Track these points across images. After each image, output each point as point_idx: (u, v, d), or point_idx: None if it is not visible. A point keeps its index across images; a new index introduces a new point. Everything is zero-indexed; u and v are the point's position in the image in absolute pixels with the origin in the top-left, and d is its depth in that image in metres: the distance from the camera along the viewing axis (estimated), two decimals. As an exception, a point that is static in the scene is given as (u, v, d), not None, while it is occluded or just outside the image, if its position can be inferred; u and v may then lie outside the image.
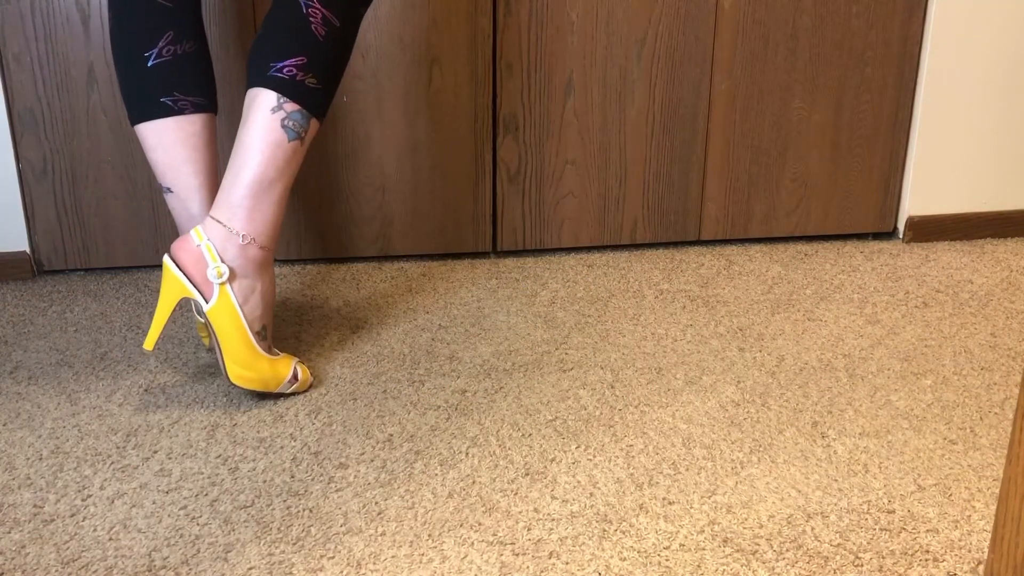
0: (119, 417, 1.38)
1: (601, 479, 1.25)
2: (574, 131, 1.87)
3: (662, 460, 1.29)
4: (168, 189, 1.41)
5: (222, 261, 1.32)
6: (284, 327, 1.64)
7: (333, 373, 1.50)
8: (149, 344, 1.35)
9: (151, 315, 1.68)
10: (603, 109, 1.86)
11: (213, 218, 1.33)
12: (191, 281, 1.32)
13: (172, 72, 1.38)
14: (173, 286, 1.33)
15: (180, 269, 1.32)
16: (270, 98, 1.31)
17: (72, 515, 1.18)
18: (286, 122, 1.31)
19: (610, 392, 1.45)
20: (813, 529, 1.16)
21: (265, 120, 1.31)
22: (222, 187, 1.34)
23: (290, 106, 1.31)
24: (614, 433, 1.35)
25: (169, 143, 1.38)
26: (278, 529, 1.16)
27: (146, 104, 1.38)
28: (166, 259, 1.33)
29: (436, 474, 1.26)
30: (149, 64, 1.37)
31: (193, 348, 1.57)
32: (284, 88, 1.30)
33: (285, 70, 1.31)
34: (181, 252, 1.32)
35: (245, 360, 1.35)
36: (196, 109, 1.40)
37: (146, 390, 1.45)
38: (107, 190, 1.79)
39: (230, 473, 1.26)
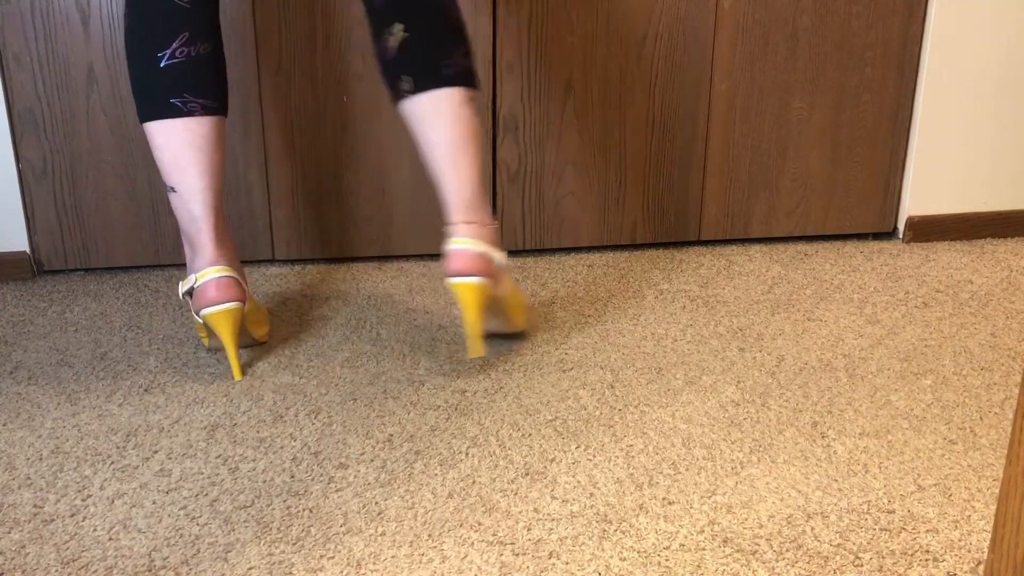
0: (119, 417, 1.38)
1: (601, 479, 1.25)
2: (574, 131, 1.86)
3: (662, 460, 1.29)
4: (172, 188, 1.41)
5: (495, 249, 1.43)
6: (284, 327, 1.64)
7: (333, 373, 1.50)
8: (479, 351, 1.43)
9: (151, 315, 1.68)
10: (603, 109, 1.86)
11: (464, 222, 1.41)
12: (488, 278, 1.41)
13: (184, 73, 1.38)
14: (476, 293, 1.40)
15: (472, 276, 1.39)
16: (458, 94, 1.40)
17: (72, 515, 1.18)
18: (475, 109, 1.43)
19: (610, 392, 1.45)
20: (813, 529, 1.16)
21: (463, 115, 1.40)
22: (449, 191, 1.42)
23: (472, 93, 1.42)
24: (614, 433, 1.35)
25: (176, 144, 1.39)
26: (278, 529, 1.16)
27: (156, 104, 1.38)
28: (457, 280, 1.40)
29: (436, 474, 1.26)
30: (162, 64, 1.38)
31: (193, 348, 1.57)
32: (464, 80, 1.42)
33: (456, 65, 1.41)
34: (465, 263, 1.39)
35: (526, 310, 1.55)
36: (205, 111, 1.40)
37: (146, 390, 1.45)
38: (107, 190, 1.79)
39: (230, 473, 1.26)
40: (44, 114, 1.73)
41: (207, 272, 1.40)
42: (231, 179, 1.81)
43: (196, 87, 1.39)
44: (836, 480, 1.25)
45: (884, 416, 1.40)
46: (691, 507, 1.20)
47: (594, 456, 1.30)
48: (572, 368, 1.51)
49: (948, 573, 1.10)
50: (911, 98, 1.94)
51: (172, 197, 1.43)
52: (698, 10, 1.83)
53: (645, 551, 1.12)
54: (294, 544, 1.13)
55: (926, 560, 1.11)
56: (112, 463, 1.28)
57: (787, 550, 1.13)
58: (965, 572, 1.10)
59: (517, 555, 1.12)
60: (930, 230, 2.01)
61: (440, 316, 1.68)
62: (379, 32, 1.43)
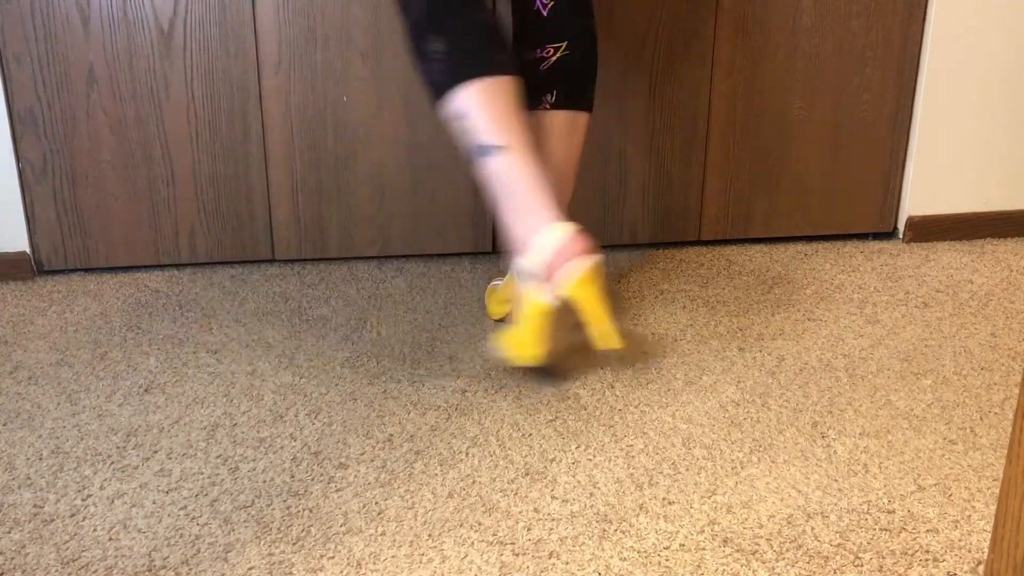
0: (119, 417, 1.38)
1: (601, 479, 1.25)
2: (574, 131, 1.86)
3: (662, 460, 1.29)
4: (504, 147, 1.31)
5: None
6: (284, 327, 1.64)
7: (333, 373, 1.50)
8: (613, 342, 1.32)
9: (151, 315, 1.68)
10: (603, 109, 1.86)
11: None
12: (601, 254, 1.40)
13: (497, 31, 1.40)
14: (599, 271, 1.29)
15: (593, 254, 1.32)
16: (586, 119, 1.51)
17: (72, 515, 1.18)
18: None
19: (610, 392, 1.45)
20: (813, 529, 1.16)
21: (583, 138, 1.51)
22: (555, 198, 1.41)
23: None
24: (614, 433, 1.35)
25: (504, 100, 1.34)
26: (278, 529, 1.16)
27: (480, 62, 1.34)
28: (587, 261, 1.27)
29: (436, 474, 1.26)
30: (481, 20, 1.37)
31: (193, 348, 1.57)
32: (591, 107, 1.52)
33: (592, 93, 1.51)
34: (585, 243, 1.29)
35: None
36: (516, 70, 1.39)
37: (146, 390, 1.45)
38: (107, 190, 1.79)
39: (230, 473, 1.26)
40: (44, 114, 1.73)
41: (562, 227, 1.28)
42: (231, 179, 1.81)
43: (506, 45, 1.40)
44: (836, 480, 1.25)
45: (884, 416, 1.40)
46: (691, 507, 1.20)
47: (594, 456, 1.30)
48: (572, 368, 1.51)
49: (948, 573, 1.10)
50: (911, 98, 1.94)
51: (492, 163, 1.32)
52: (698, 10, 1.83)
53: (645, 551, 1.12)
54: (294, 544, 1.13)
55: (926, 560, 1.11)
56: (112, 463, 1.28)
57: (787, 550, 1.13)
58: (965, 572, 1.10)
59: (517, 555, 1.12)
60: (930, 230, 2.01)
61: (440, 316, 1.68)
62: (540, 42, 1.48)
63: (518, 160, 1.31)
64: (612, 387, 1.46)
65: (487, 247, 1.92)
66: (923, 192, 1.99)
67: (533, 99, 1.48)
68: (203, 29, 1.72)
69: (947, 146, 1.97)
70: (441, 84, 1.34)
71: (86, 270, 1.85)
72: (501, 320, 1.62)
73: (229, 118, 1.78)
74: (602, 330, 1.28)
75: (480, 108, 1.32)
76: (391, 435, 1.34)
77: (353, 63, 1.78)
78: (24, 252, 1.80)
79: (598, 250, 1.26)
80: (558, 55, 1.46)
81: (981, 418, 1.40)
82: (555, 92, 1.47)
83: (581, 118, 1.50)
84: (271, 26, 1.74)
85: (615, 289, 1.48)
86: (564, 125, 1.48)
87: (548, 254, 1.26)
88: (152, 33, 1.71)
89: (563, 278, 1.25)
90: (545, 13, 1.46)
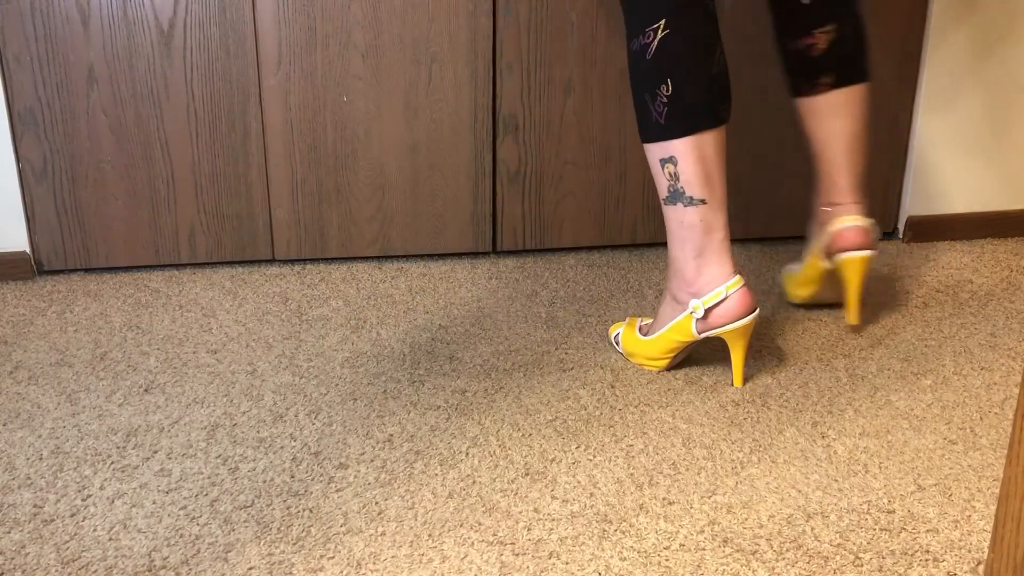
0: (119, 417, 1.38)
1: (601, 479, 1.25)
2: (574, 131, 1.86)
3: (662, 460, 1.29)
4: (701, 201, 1.38)
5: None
6: (284, 327, 1.64)
7: (333, 373, 1.50)
8: (858, 318, 1.57)
9: (151, 315, 1.68)
10: (603, 109, 1.86)
11: (854, 202, 1.54)
12: (874, 250, 1.55)
13: (724, 79, 1.41)
14: (866, 264, 1.55)
15: (866, 249, 1.53)
16: (865, 90, 1.52)
17: (72, 515, 1.18)
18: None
19: (610, 392, 1.45)
20: (813, 529, 1.16)
21: (864, 109, 1.53)
22: (843, 175, 1.54)
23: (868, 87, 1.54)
24: (614, 433, 1.35)
25: (713, 154, 1.38)
26: (278, 529, 1.16)
27: (704, 115, 1.37)
28: (852, 254, 1.53)
29: (436, 474, 1.26)
30: (713, 72, 1.38)
31: (193, 348, 1.57)
32: (869, 75, 1.54)
33: (867, 60, 1.53)
34: (861, 238, 1.53)
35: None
36: (725, 121, 1.41)
37: (146, 390, 1.45)
38: (107, 190, 1.79)
39: (230, 473, 1.26)
40: (44, 114, 1.73)
41: (736, 282, 1.39)
42: (231, 179, 1.81)
43: (729, 92, 1.41)
44: (836, 480, 1.25)
45: (884, 416, 1.40)
46: (691, 507, 1.20)
47: (594, 456, 1.30)
48: (572, 368, 1.51)
49: (948, 573, 1.10)
50: (911, 98, 1.94)
51: (690, 212, 1.38)
52: None
53: (645, 551, 1.12)
54: (294, 544, 1.13)
55: (926, 560, 1.12)
56: (112, 463, 1.28)
57: (787, 550, 1.13)
58: (965, 572, 1.10)
59: (517, 555, 1.12)
60: (930, 230, 2.01)
61: (440, 316, 1.68)
62: (806, 29, 1.49)
63: (713, 216, 1.39)
64: (612, 387, 1.46)
65: (487, 247, 1.92)
66: (923, 192, 1.99)
67: (808, 84, 1.51)
68: (203, 29, 1.72)
69: (947, 146, 1.97)
70: (660, 127, 1.37)
71: (86, 270, 1.85)
72: (801, 304, 1.69)
73: (229, 118, 1.78)
74: (737, 371, 1.46)
75: (693, 162, 1.36)
76: (391, 435, 1.34)
77: (353, 63, 1.78)
78: (24, 252, 1.80)
79: (756, 307, 1.42)
80: (828, 38, 1.49)
81: (981, 418, 1.40)
82: (832, 73, 1.50)
83: (860, 90, 1.52)
84: (271, 26, 1.74)
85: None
86: (846, 102, 1.51)
87: (716, 305, 1.40)
88: (152, 33, 1.71)
89: (720, 327, 1.41)
90: (807, 1, 1.48)
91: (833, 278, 1.62)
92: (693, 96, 1.36)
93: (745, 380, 1.48)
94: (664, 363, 1.49)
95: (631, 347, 1.52)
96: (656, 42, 1.36)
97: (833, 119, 1.52)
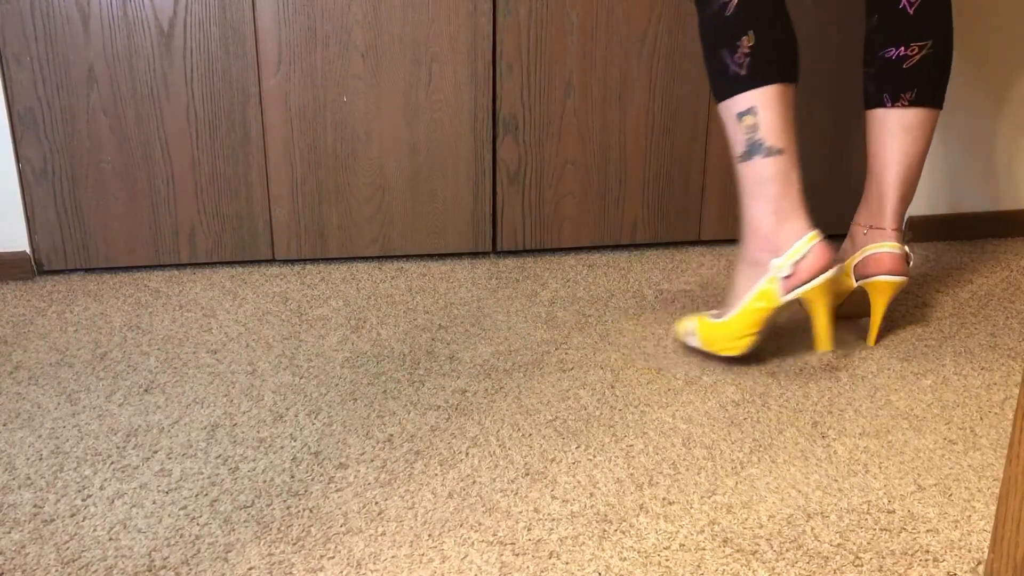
0: (119, 417, 1.38)
1: (601, 479, 1.25)
2: (574, 131, 1.86)
3: (662, 460, 1.29)
4: (779, 150, 1.40)
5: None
6: (284, 327, 1.64)
7: (333, 373, 1.50)
8: (874, 341, 1.58)
9: (151, 315, 1.68)
10: (603, 109, 1.86)
11: (895, 229, 1.54)
12: (907, 277, 1.54)
13: (796, 44, 1.46)
14: (896, 289, 1.54)
15: (900, 275, 1.53)
16: (936, 116, 1.54)
17: (72, 515, 1.18)
18: None
19: (610, 392, 1.45)
20: (813, 529, 1.16)
21: (931, 136, 1.54)
22: (894, 199, 1.54)
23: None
24: (614, 433, 1.35)
25: (783, 106, 1.42)
26: (278, 529, 1.16)
27: (775, 66, 1.41)
28: (886, 278, 1.53)
29: (436, 474, 1.26)
30: (789, 29, 1.43)
31: (193, 348, 1.57)
32: (942, 104, 1.55)
33: (945, 88, 1.54)
34: (897, 264, 1.52)
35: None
36: (796, 80, 1.46)
37: (146, 390, 1.45)
38: (107, 190, 1.79)
39: (230, 473, 1.26)
40: (44, 114, 1.73)
41: (815, 236, 1.41)
42: (231, 179, 1.81)
43: (797, 56, 1.45)
44: (836, 480, 1.25)
45: (884, 416, 1.40)
46: (691, 507, 1.20)
47: (594, 456, 1.30)
48: (572, 368, 1.51)
49: (948, 573, 1.10)
50: (911, 98, 1.94)
51: (768, 164, 1.40)
52: (698, 10, 1.83)
53: (645, 551, 1.12)
54: (294, 544, 1.13)
55: (926, 560, 1.11)
56: (112, 463, 1.28)
57: (787, 550, 1.13)
58: (965, 572, 1.10)
59: (517, 555, 1.12)
60: (930, 230, 2.01)
61: (440, 316, 1.68)
62: (904, 40, 1.50)
63: (791, 165, 1.41)
64: (612, 387, 1.46)
65: (487, 247, 1.92)
66: (923, 192, 1.99)
67: (890, 95, 1.52)
68: (203, 29, 1.72)
69: (946, 146, 1.97)
70: (741, 77, 1.40)
71: (86, 270, 1.85)
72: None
73: (229, 118, 1.78)
74: (823, 333, 1.45)
75: (773, 110, 1.40)
76: (391, 435, 1.34)
77: (353, 63, 1.78)
78: (24, 252, 1.80)
79: (835, 261, 1.43)
80: (922, 53, 1.50)
81: (981, 418, 1.40)
82: (915, 90, 1.51)
83: (934, 115, 1.53)
84: (271, 26, 1.74)
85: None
86: (920, 124, 1.52)
87: (801, 259, 1.40)
88: (152, 33, 1.71)
89: (807, 282, 1.40)
90: (912, 12, 1.49)
91: (855, 297, 1.62)
92: (774, 47, 1.40)
93: (739, 381, 1.48)
94: (749, 341, 1.46)
95: (710, 334, 1.49)
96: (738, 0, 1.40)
97: (901, 137, 1.53)
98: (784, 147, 1.40)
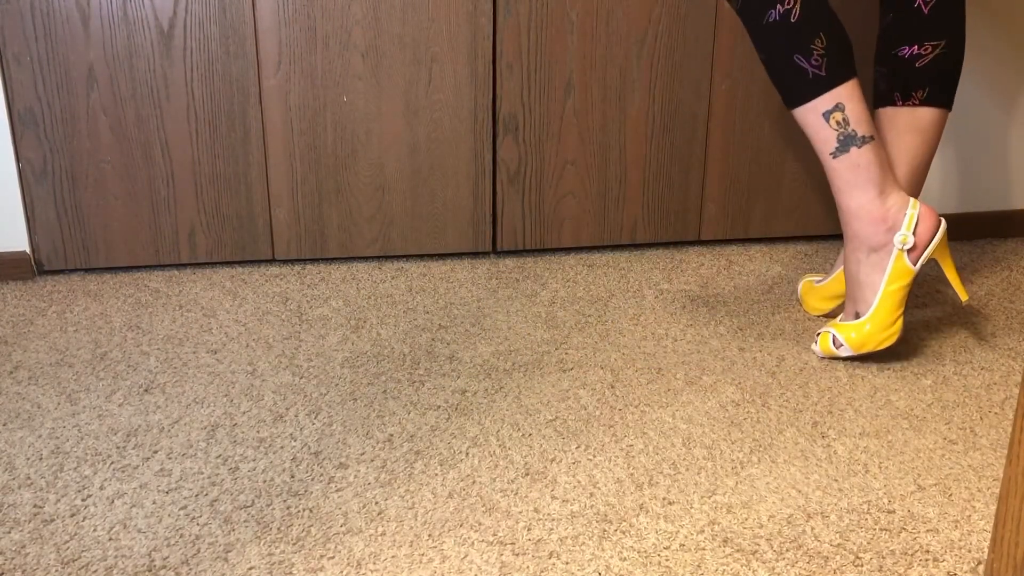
0: (119, 417, 1.38)
1: (601, 479, 1.25)
2: (574, 131, 1.86)
3: (662, 460, 1.29)
4: (871, 138, 1.45)
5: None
6: (284, 327, 1.64)
7: (333, 373, 1.50)
8: (965, 294, 1.54)
9: (151, 315, 1.68)
10: (603, 109, 1.86)
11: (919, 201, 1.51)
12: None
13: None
14: (943, 237, 1.50)
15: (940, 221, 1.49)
16: (946, 117, 1.55)
17: (72, 515, 1.18)
18: None
19: (610, 392, 1.45)
20: (813, 529, 1.16)
21: (940, 136, 1.56)
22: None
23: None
24: (614, 433, 1.35)
25: (862, 97, 1.46)
26: (278, 529, 1.16)
27: (853, 60, 1.46)
28: (942, 228, 1.48)
29: (436, 474, 1.26)
30: (842, 25, 1.48)
31: (192, 348, 1.57)
32: (952, 104, 1.57)
33: (954, 91, 1.55)
34: (935, 215, 1.49)
35: None
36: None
37: (146, 390, 1.45)
38: (107, 190, 1.79)
39: (230, 473, 1.26)
40: (44, 114, 1.73)
41: (915, 201, 1.47)
42: (231, 179, 1.81)
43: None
44: (836, 480, 1.25)
45: (884, 416, 1.40)
46: (691, 507, 1.20)
47: (594, 456, 1.30)
48: (572, 368, 1.51)
49: (948, 573, 1.10)
50: (911, 98, 1.94)
51: (864, 152, 1.44)
52: (698, 10, 1.83)
53: (645, 551, 1.12)
54: (294, 544, 1.13)
55: (926, 560, 1.11)
56: (112, 463, 1.28)
57: (787, 550, 1.13)
58: (965, 572, 1.10)
59: (517, 555, 1.12)
60: (930, 230, 2.01)
61: (440, 316, 1.68)
62: (918, 39, 1.52)
63: (880, 149, 1.47)
64: (612, 387, 1.46)
65: (487, 247, 1.92)
66: (923, 192, 1.99)
67: (902, 93, 1.53)
68: (203, 29, 1.72)
69: (946, 146, 1.97)
70: (823, 79, 1.44)
71: (86, 270, 1.85)
72: (823, 315, 1.68)
73: (229, 118, 1.78)
74: (959, 285, 1.51)
75: (859, 101, 1.45)
76: (391, 435, 1.34)
77: (353, 63, 1.78)
78: (24, 252, 1.80)
79: (941, 217, 1.49)
80: (935, 52, 1.52)
81: (981, 418, 1.40)
82: (927, 89, 1.53)
83: (943, 115, 1.55)
84: (271, 26, 1.74)
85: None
86: (929, 124, 1.54)
87: (918, 225, 1.46)
88: (152, 33, 1.71)
89: (929, 243, 1.47)
90: (927, 11, 1.51)
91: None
92: (844, 44, 1.45)
93: (739, 381, 1.48)
94: (900, 324, 1.49)
95: (859, 335, 1.50)
96: (798, 5, 1.43)
97: (911, 136, 1.54)
98: (873, 133, 1.45)
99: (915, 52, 1.52)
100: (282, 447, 1.31)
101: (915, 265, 1.47)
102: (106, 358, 1.54)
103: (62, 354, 1.56)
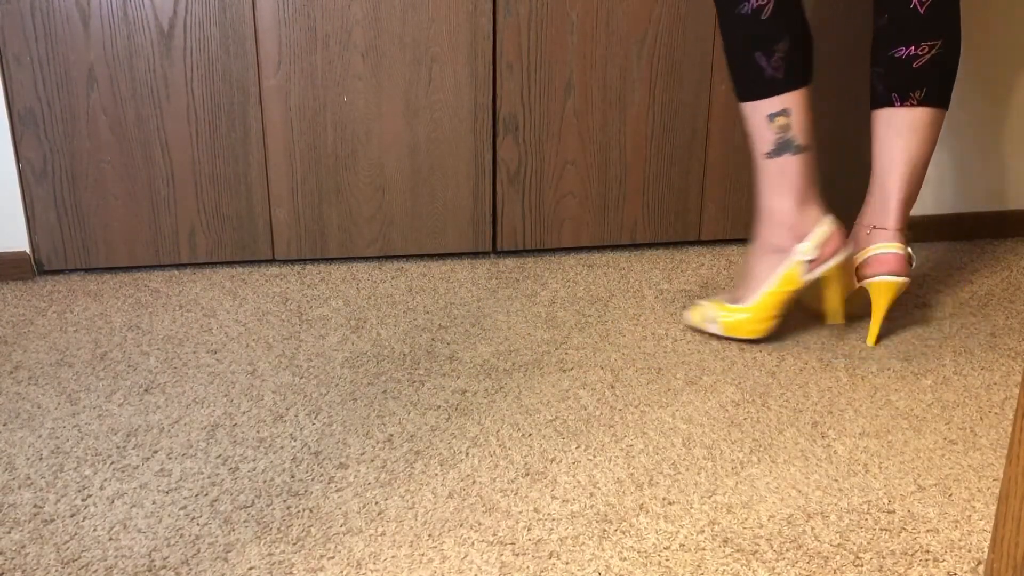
0: (119, 417, 1.38)
1: (601, 479, 1.25)
2: (574, 131, 1.86)
3: (662, 460, 1.29)
4: (806, 148, 1.49)
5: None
6: (284, 327, 1.64)
7: (333, 373, 1.50)
8: (874, 340, 1.59)
9: (151, 315, 1.68)
10: (603, 109, 1.86)
11: (898, 229, 1.55)
12: (908, 278, 1.55)
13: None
14: (897, 290, 1.55)
15: (901, 276, 1.54)
16: (942, 116, 1.55)
17: (72, 515, 1.18)
18: None
19: (610, 392, 1.45)
20: (813, 529, 1.16)
21: (937, 136, 1.55)
22: (897, 199, 1.54)
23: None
24: (614, 433, 1.35)
25: (809, 106, 1.51)
26: (278, 529, 1.16)
27: (805, 74, 1.50)
28: (887, 279, 1.53)
29: (436, 474, 1.26)
30: (808, 31, 1.51)
31: (193, 348, 1.57)
32: (948, 104, 1.56)
33: (950, 90, 1.55)
34: (899, 265, 1.53)
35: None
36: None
37: (146, 390, 1.45)
38: (107, 190, 1.79)
39: (230, 473, 1.26)
40: (44, 114, 1.73)
41: (831, 219, 1.52)
42: (231, 179, 1.81)
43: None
44: (836, 480, 1.25)
45: (884, 416, 1.40)
46: (691, 507, 1.20)
47: (594, 456, 1.30)
48: (572, 368, 1.51)
49: (948, 573, 1.10)
50: (911, 98, 1.94)
51: (795, 160, 1.48)
52: (698, 10, 1.83)
53: (645, 551, 1.12)
54: (294, 544, 1.13)
55: (926, 560, 1.11)
56: (112, 463, 1.28)
57: (787, 550, 1.13)
58: (965, 572, 1.10)
59: (517, 555, 1.12)
60: (930, 230, 2.01)
61: (440, 316, 1.68)
62: (915, 39, 1.52)
63: (811, 160, 1.50)
64: (612, 387, 1.46)
65: (487, 247, 1.92)
66: (923, 192, 1.99)
67: (899, 94, 1.53)
68: (203, 29, 1.72)
69: (946, 146, 1.97)
70: (779, 81, 1.47)
71: (86, 270, 1.85)
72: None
73: (229, 118, 1.78)
74: (836, 308, 1.57)
75: (805, 110, 1.49)
76: (391, 435, 1.34)
77: (353, 63, 1.78)
78: (24, 252, 1.80)
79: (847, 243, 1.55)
80: (932, 52, 1.52)
81: (981, 418, 1.40)
82: (924, 89, 1.52)
83: (940, 115, 1.55)
84: (271, 26, 1.74)
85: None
86: (927, 123, 1.54)
87: (822, 242, 1.51)
88: (152, 33, 1.72)
89: (829, 261, 1.52)
90: (923, 11, 1.51)
91: (856, 298, 1.64)
92: (807, 51, 1.48)
93: (739, 381, 1.48)
94: (771, 324, 1.54)
95: (734, 320, 1.55)
96: (773, 3, 1.44)
97: (908, 136, 1.54)
98: (809, 144, 1.49)
99: (912, 52, 1.52)
100: (282, 447, 1.31)
101: (805, 277, 1.51)
102: (106, 358, 1.54)
103: (62, 354, 1.56)
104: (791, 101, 1.47)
